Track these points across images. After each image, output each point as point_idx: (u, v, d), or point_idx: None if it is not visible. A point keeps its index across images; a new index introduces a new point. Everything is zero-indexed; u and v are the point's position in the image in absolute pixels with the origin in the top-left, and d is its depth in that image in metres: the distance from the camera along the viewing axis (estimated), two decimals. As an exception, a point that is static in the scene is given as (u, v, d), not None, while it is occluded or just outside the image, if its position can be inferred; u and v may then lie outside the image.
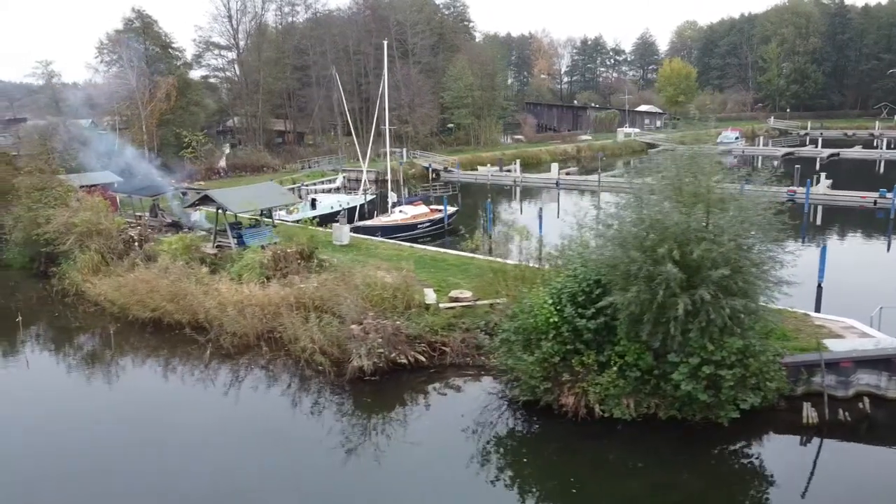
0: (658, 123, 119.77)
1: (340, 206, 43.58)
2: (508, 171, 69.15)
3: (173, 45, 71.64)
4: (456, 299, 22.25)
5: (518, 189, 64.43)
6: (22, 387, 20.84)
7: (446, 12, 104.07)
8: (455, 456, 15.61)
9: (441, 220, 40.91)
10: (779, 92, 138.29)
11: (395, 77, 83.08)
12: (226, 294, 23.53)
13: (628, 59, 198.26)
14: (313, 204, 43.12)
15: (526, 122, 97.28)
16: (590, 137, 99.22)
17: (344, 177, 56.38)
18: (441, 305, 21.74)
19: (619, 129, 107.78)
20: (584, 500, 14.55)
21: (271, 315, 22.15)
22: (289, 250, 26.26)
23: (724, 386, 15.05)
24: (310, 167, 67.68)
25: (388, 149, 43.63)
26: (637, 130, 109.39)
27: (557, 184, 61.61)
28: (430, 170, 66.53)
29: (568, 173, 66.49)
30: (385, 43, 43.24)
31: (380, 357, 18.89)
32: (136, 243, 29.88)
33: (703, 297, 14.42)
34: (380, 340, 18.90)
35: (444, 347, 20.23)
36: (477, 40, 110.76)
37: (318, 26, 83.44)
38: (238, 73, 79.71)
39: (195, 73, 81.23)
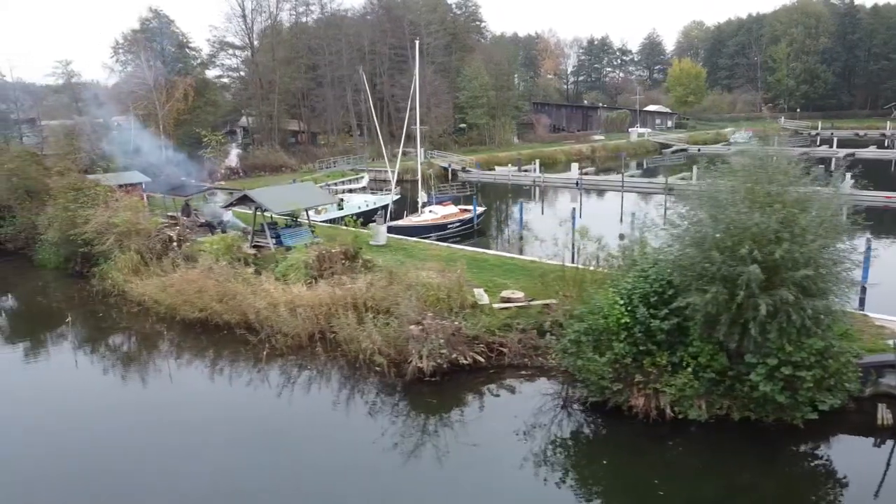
0: (669, 123, 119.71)
1: (367, 205, 43.52)
2: (526, 170, 69.13)
3: (190, 45, 71.63)
4: (508, 300, 22.19)
5: (538, 189, 64.38)
6: (79, 387, 20.78)
7: (458, 12, 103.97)
8: (520, 457, 15.50)
9: (470, 220, 40.85)
10: (788, 92, 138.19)
11: (409, 77, 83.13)
12: (275, 294, 23.47)
13: (635, 59, 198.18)
14: (340, 204, 43.06)
15: (539, 122, 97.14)
16: (602, 137, 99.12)
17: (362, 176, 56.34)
18: (495, 306, 21.66)
19: (630, 130, 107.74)
20: (657, 501, 14.45)
21: (324, 315, 22.08)
22: (333, 250, 26.21)
23: (802, 387, 14.98)
24: (328, 167, 67.58)
25: (419, 149, 43.54)
26: (648, 130, 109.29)
27: (577, 184, 61.53)
28: (450, 169, 66.48)
29: (586, 173, 66.41)
30: (417, 42, 43.17)
31: (441, 358, 18.83)
32: (175, 243, 29.78)
33: (786, 297, 14.35)
34: (442, 341, 18.83)
35: (501, 348, 20.17)
36: (486, 40, 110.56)
37: (331, 26, 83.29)
38: (253, 72, 79.54)
39: (209, 73, 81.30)
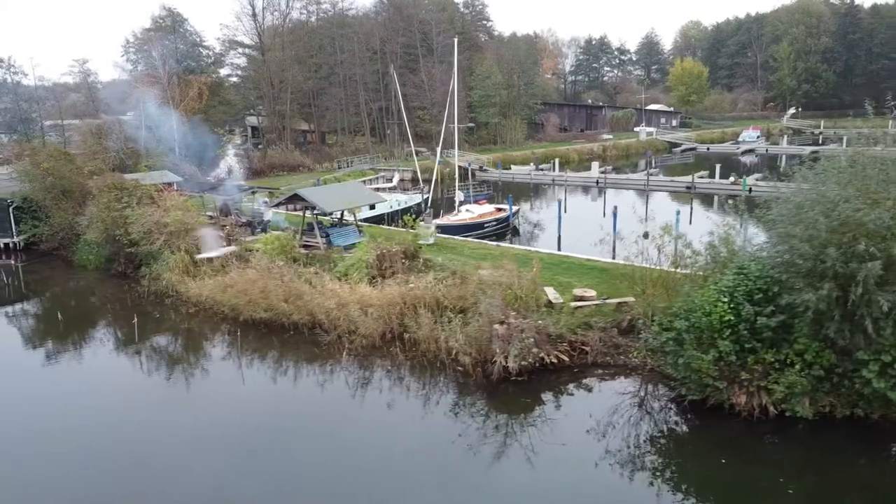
0: (674, 122, 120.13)
1: (399, 205, 43.29)
2: (542, 170, 69.14)
3: (204, 44, 71.08)
4: (582, 298, 22.08)
5: (556, 188, 64.38)
6: (159, 390, 20.46)
7: (465, 11, 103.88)
8: (614, 456, 15.44)
9: (506, 219, 40.73)
10: (790, 91, 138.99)
11: (419, 76, 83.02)
12: (342, 293, 23.27)
13: (633, 58, 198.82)
14: (372, 204, 42.80)
15: (549, 122, 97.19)
16: (611, 137, 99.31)
17: (382, 175, 56.05)
18: (571, 304, 21.53)
19: (636, 129, 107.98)
20: (764, 498, 14.33)
21: (397, 314, 21.91)
22: (392, 249, 26.02)
23: (915, 384, 14.96)
24: (345, 167, 67.30)
25: (456, 148, 43.37)
26: (653, 130, 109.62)
27: (597, 182, 61.58)
28: (470, 168, 66.40)
29: (604, 171, 66.47)
30: (455, 39, 42.91)
31: (532, 357, 18.71)
32: (224, 243, 29.47)
33: (905, 294, 14.33)
34: (533, 340, 18.70)
35: (583, 347, 20.07)
36: (494, 39, 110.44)
37: (343, 25, 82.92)
38: (264, 71, 79.07)
39: (220, 72, 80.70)
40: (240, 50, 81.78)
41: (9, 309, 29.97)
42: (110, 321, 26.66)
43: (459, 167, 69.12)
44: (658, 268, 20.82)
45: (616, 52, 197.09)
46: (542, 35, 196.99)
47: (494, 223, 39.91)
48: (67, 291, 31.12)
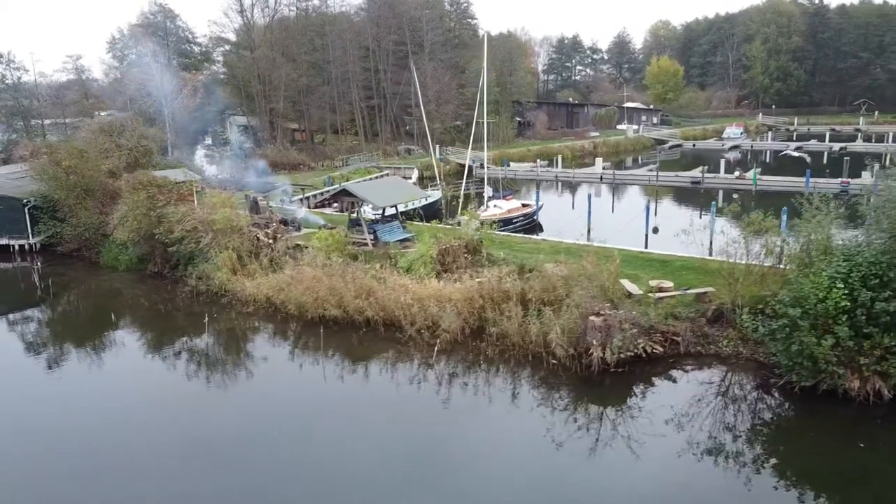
0: (654, 120, 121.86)
1: (423, 201, 42.82)
2: (538, 167, 69.56)
3: (197, 41, 69.52)
4: (661, 289, 22.13)
5: (559, 184, 64.76)
6: (258, 390, 19.85)
7: (449, 8, 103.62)
8: (723, 446, 15.46)
9: (532, 215, 40.70)
10: (763, 89, 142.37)
11: (415, 74, 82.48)
12: (414, 289, 22.91)
13: (605, 57, 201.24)
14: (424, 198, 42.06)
15: (538, 120, 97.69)
16: (598, 134, 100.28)
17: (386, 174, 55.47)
18: (654, 295, 21.55)
19: (619, 126, 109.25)
20: (878, 483, 14.38)
21: (478, 308, 21.65)
22: (454, 244, 25.75)
23: None
24: (346, 165, 66.55)
25: (486, 144, 43.14)
26: (635, 127, 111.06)
27: (601, 178, 62.07)
28: (475, 165, 66.20)
29: (606, 167, 67.02)
30: (486, 35, 42.66)
31: (632, 348, 18.68)
32: (272, 240, 28.78)
33: None
34: (635, 331, 18.67)
35: (674, 337, 20.12)
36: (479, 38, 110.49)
37: (333, 22, 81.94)
38: (255, 69, 77.72)
39: (209, 70, 78.99)
40: (227, 47, 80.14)
41: (53, 313, 28.95)
42: (172, 322, 25.76)
43: (461, 164, 69.16)
44: (746, 263, 20.85)
45: (588, 52, 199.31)
46: (515, 34, 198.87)
47: (522, 218, 39.85)
48: (108, 293, 29.84)
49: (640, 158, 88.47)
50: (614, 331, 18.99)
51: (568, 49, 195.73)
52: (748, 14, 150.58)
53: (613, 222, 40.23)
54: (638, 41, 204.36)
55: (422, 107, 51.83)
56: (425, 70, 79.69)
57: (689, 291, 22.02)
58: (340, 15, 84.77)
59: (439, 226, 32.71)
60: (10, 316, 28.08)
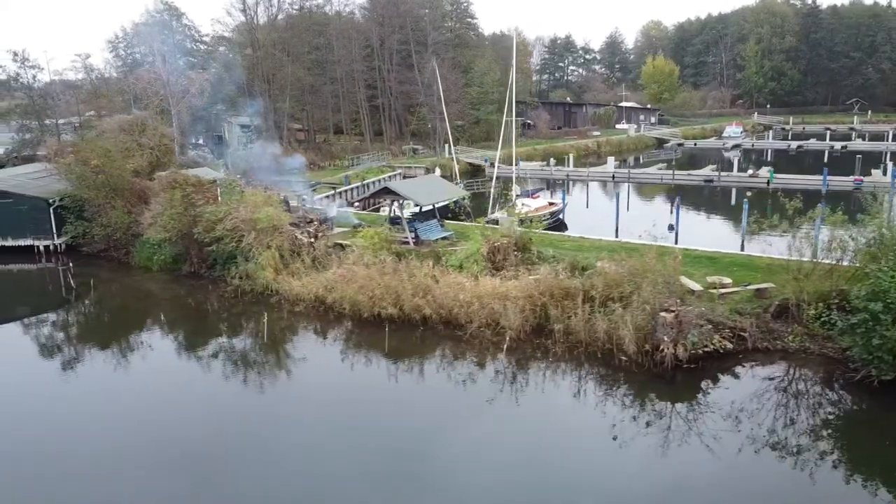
0: (652, 119, 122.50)
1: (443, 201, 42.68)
2: (550, 166, 69.67)
3: (204, 40, 68.86)
4: (722, 285, 22.17)
5: (570, 182, 64.89)
6: (329, 393, 19.55)
7: (450, 8, 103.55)
8: (801, 439, 15.52)
9: (559, 212, 40.71)
10: (757, 89, 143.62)
11: (414, 73, 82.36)
12: (469, 287, 22.79)
13: (597, 57, 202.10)
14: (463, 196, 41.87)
15: (541, 119, 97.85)
16: (599, 133, 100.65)
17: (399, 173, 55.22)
18: (718, 291, 21.57)
19: (618, 125, 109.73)
20: None
21: (540, 306, 21.56)
22: (503, 241, 25.67)
23: None
24: (356, 164, 66.25)
25: (513, 141, 43.05)
26: (634, 126, 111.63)
27: (614, 177, 62.25)
28: (487, 164, 66.34)
29: (619, 166, 67.29)
30: (514, 33, 42.55)
31: (708, 344, 18.68)
32: (313, 239, 28.53)
33: None
34: (710, 327, 18.66)
35: (741, 332, 20.15)
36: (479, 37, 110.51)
37: (338, 20, 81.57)
38: (259, 68, 77.16)
39: (213, 69, 78.15)
40: (233, 46, 79.40)
41: (102, 313, 28.60)
42: (224, 323, 25.45)
43: (469, 164, 69.20)
44: (812, 260, 20.90)
45: (581, 52, 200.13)
46: (509, 34, 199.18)
47: (549, 216, 39.82)
48: (147, 295, 29.31)
49: (641, 157, 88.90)
50: (687, 327, 18.99)
51: (560, 49, 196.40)
52: (741, 14, 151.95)
53: (634, 220, 40.21)
54: (630, 41, 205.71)
55: (443, 105, 51.33)
56: (434, 69, 79.54)
57: (748, 287, 22.08)
58: (344, 14, 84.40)
59: (468, 224, 32.64)
60: (54, 317, 27.84)
